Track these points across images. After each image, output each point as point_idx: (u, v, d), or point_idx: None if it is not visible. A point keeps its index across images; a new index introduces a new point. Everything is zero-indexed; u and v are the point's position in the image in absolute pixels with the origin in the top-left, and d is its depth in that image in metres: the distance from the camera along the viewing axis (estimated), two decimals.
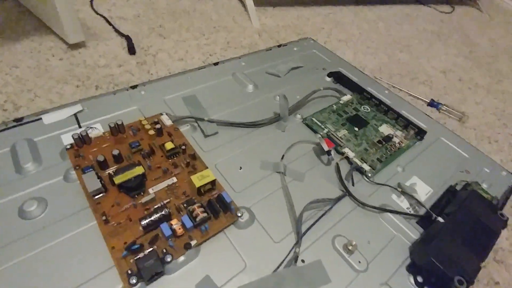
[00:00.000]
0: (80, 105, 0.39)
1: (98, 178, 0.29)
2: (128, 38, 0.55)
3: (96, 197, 0.29)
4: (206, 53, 0.56)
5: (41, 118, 0.37)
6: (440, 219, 0.32)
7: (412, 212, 0.34)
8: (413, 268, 0.30)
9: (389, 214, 0.33)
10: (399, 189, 0.36)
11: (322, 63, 0.56)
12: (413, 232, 0.32)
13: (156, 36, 0.58)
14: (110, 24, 0.59)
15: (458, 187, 0.37)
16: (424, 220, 0.33)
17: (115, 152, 0.31)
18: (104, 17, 0.60)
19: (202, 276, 0.26)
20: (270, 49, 0.57)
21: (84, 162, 0.32)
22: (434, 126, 0.46)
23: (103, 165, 0.31)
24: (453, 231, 0.30)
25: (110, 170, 0.31)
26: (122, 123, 0.34)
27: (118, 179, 0.29)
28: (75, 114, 0.38)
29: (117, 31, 0.57)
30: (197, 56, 0.55)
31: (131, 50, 0.53)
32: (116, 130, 0.34)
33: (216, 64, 0.51)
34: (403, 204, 0.35)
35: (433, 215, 0.32)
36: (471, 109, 0.57)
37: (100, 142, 0.34)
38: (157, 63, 0.52)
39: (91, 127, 0.36)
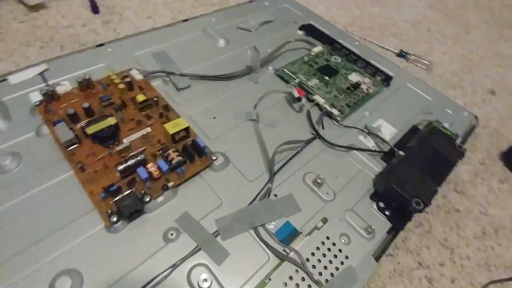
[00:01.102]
0: (46, 64, 0.38)
1: (70, 130, 0.30)
2: None
3: (70, 148, 0.29)
4: (174, 10, 0.55)
5: (6, 79, 0.36)
6: (401, 153, 0.34)
7: (376, 149, 0.37)
8: (375, 196, 0.32)
9: (355, 152, 0.36)
10: (366, 130, 0.38)
11: (294, 17, 0.56)
12: (377, 166, 0.35)
13: None
14: None
15: (420, 126, 0.40)
16: (388, 156, 0.36)
17: (85, 105, 0.31)
18: None
19: (181, 212, 0.28)
20: (241, 5, 0.56)
21: (55, 117, 0.32)
22: (401, 73, 0.48)
23: (74, 118, 0.31)
24: (412, 161, 0.33)
25: (82, 123, 0.31)
26: (91, 78, 0.34)
27: (90, 130, 0.29)
28: (41, 73, 0.37)
29: None
30: (165, 14, 0.53)
31: (95, 9, 0.51)
32: (85, 85, 0.34)
33: (185, 20, 0.49)
34: (369, 143, 0.37)
35: (395, 150, 0.35)
36: (439, 59, 0.59)
37: (69, 98, 0.34)
38: (124, 22, 0.50)
39: (59, 84, 0.35)
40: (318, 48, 0.48)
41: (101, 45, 0.42)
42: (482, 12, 0.77)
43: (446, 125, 0.42)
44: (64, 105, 0.33)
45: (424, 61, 0.55)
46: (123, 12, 0.52)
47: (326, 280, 0.26)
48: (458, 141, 0.40)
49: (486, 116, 0.50)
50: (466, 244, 0.34)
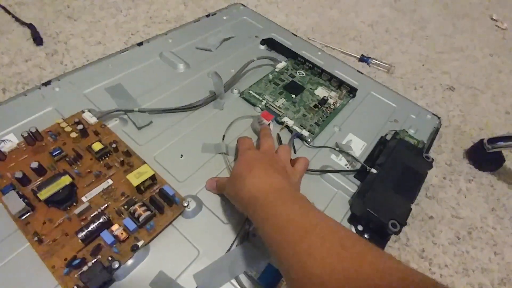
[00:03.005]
0: None
1: (21, 197, 0.27)
2: (31, 27, 0.48)
3: (23, 217, 0.26)
4: (127, 32, 0.51)
5: None
6: (373, 170, 0.34)
7: (349, 167, 0.37)
8: (353, 219, 0.32)
9: (329, 174, 0.35)
10: (337, 149, 0.38)
11: (254, 30, 0.54)
12: (352, 186, 0.35)
13: (64, 20, 0.51)
14: (8, 12, 0.50)
15: (388, 137, 0.40)
16: (361, 173, 0.36)
17: (34, 164, 0.28)
18: (1, 6, 0.51)
19: (155, 273, 0.26)
20: (198, 20, 0.54)
21: (3, 181, 0.28)
22: (364, 81, 0.48)
23: (24, 181, 0.28)
24: (384, 180, 0.33)
25: (33, 186, 0.28)
26: (37, 129, 0.31)
27: (43, 195, 0.26)
28: None
29: (17, 20, 0.49)
30: (117, 37, 0.50)
31: (37, 40, 0.47)
32: (32, 138, 0.31)
33: (140, 44, 0.46)
34: (341, 162, 0.37)
35: (367, 168, 0.35)
36: (398, 59, 0.60)
37: (16, 156, 0.30)
38: (71, 51, 0.46)
39: (2, 140, 0.32)
40: (282, 64, 0.47)
41: (48, 83, 0.38)
42: (435, 4, 0.79)
43: (412, 131, 0.42)
44: (11, 165, 0.30)
45: (385, 64, 0.56)
46: (69, 40, 0.48)
47: None
48: (424, 146, 0.41)
49: (448, 114, 0.52)
50: (442, 251, 0.35)
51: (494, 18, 0.78)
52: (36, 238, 0.25)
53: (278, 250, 0.22)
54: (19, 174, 0.28)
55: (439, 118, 0.47)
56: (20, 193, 0.27)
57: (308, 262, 0.20)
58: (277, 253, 0.22)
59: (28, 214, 0.27)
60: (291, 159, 0.32)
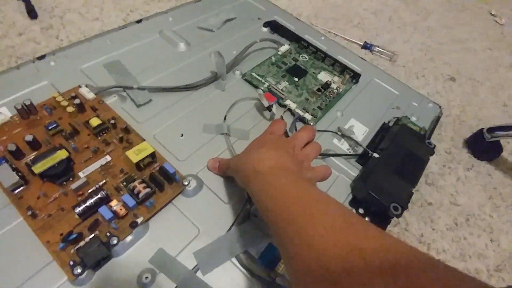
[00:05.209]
0: None
1: (14, 171, 0.26)
2: (25, 0, 0.46)
3: (17, 191, 0.25)
4: (125, 9, 0.49)
5: None
6: (376, 155, 0.34)
7: (351, 152, 0.36)
8: (355, 202, 0.32)
9: (331, 158, 0.35)
10: (339, 133, 0.37)
11: (256, 12, 0.53)
12: (353, 170, 0.35)
13: None
14: None
15: (390, 123, 0.40)
16: (362, 158, 0.35)
17: (28, 137, 0.27)
18: None
19: (155, 250, 0.25)
20: (200, 0, 0.52)
21: None
22: (367, 68, 0.48)
23: (17, 154, 0.27)
24: (386, 164, 0.33)
25: (27, 159, 0.27)
26: (31, 102, 0.29)
27: (37, 168, 0.25)
28: None
29: None
30: (115, 14, 0.48)
31: (32, 13, 0.45)
32: (26, 111, 0.29)
33: (139, 21, 0.45)
34: (343, 146, 0.37)
35: (370, 152, 0.34)
36: (400, 48, 0.59)
37: (9, 129, 0.29)
38: (67, 26, 0.44)
39: None
40: (285, 47, 0.46)
41: (42, 57, 0.37)
42: None
43: (414, 119, 0.42)
44: (4, 138, 0.28)
45: (388, 52, 0.55)
46: (64, 15, 0.46)
47: None
48: (426, 133, 0.40)
49: (448, 104, 0.51)
50: (440, 237, 0.36)
51: (492, 13, 0.78)
52: (30, 213, 0.25)
53: (276, 221, 0.21)
54: (12, 147, 0.26)
55: (440, 107, 0.46)
56: (14, 166, 0.26)
57: (309, 234, 0.19)
58: (275, 225, 0.21)
59: (22, 188, 0.26)
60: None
